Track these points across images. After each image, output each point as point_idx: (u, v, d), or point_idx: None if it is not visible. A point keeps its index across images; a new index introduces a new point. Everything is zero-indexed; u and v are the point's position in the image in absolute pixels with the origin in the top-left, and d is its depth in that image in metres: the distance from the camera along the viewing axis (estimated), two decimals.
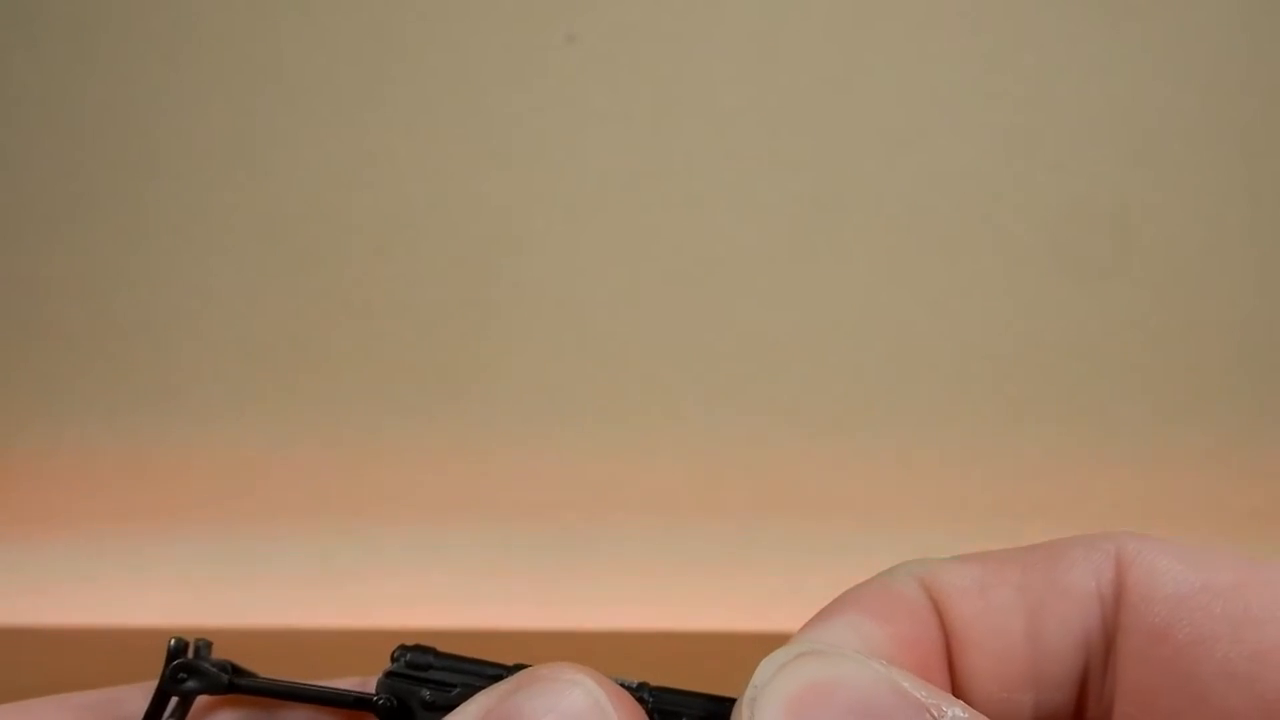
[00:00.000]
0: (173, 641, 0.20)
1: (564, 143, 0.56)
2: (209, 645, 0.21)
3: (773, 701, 0.15)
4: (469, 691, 0.18)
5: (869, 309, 0.57)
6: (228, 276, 0.57)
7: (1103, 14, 0.55)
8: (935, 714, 0.15)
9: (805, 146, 0.56)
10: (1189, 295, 0.57)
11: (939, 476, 0.58)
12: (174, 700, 0.20)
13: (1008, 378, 0.57)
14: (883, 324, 0.57)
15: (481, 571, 0.58)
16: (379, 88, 0.55)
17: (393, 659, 0.20)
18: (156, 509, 0.58)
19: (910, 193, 0.56)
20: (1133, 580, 0.17)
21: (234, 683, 0.20)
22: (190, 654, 0.20)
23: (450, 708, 0.17)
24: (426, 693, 0.19)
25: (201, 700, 0.20)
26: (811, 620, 0.18)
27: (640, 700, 0.18)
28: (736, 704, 0.16)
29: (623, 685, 0.17)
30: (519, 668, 0.18)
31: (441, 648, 0.20)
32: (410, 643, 0.20)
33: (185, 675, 0.20)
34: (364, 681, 0.20)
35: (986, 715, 0.15)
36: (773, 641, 0.17)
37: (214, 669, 0.20)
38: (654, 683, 0.19)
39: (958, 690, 0.18)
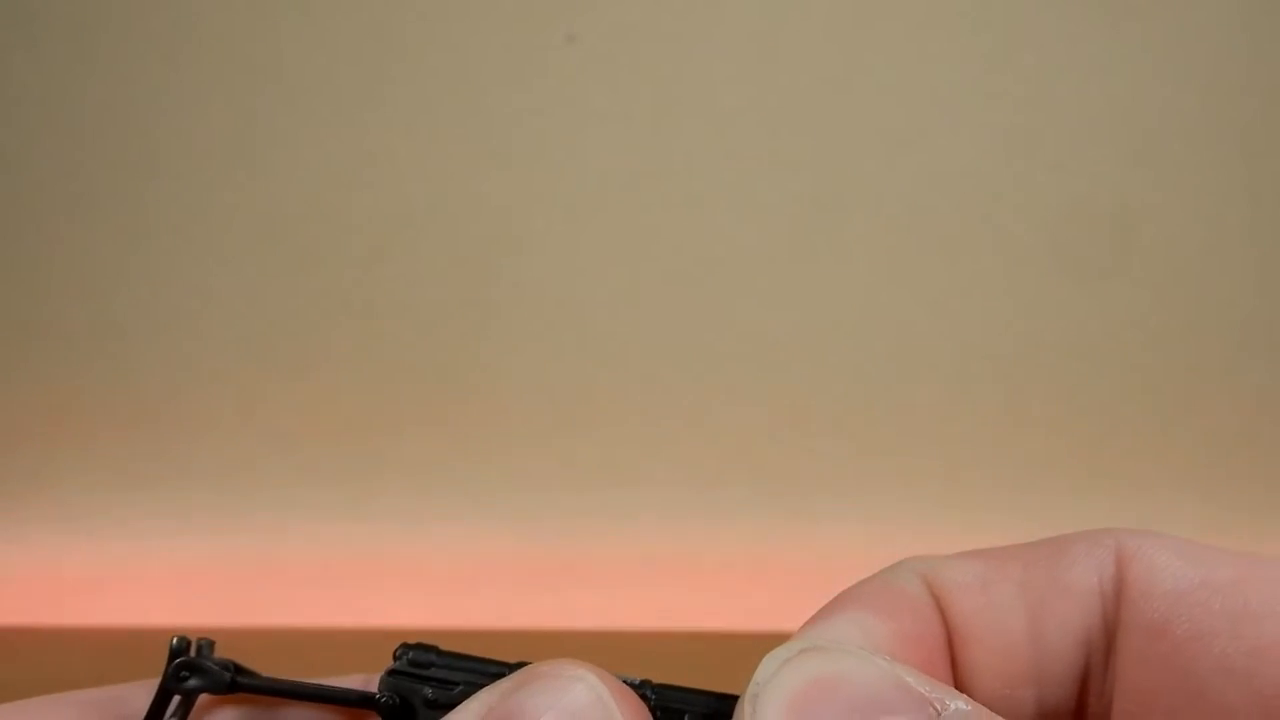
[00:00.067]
0: (175, 640, 0.20)
1: (564, 143, 0.56)
2: (211, 644, 0.21)
3: (775, 697, 0.15)
4: (471, 689, 0.18)
5: (869, 309, 0.57)
6: (228, 276, 0.57)
7: (1103, 14, 0.55)
8: (938, 707, 0.15)
9: (805, 146, 0.56)
10: (1189, 295, 0.57)
11: (939, 476, 0.58)
12: (176, 699, 0.20)
13: (1008, 378, 0.58)
14: (883, 324, 0.57)
15: (482, 571, 0.58)
16: (379, 88, 0.55)
17: (395, 657, 0.20)
18: (157, 509, 0.58)
19: (910, 193, 0.56)
20: (1133, 576, 0.17)
21: (236, 681, 0.20)
22: (193, 653, 0.20)
23: (453, 705, 0.17)
24: (429, 690, 0.19)
25: (204, 699, 0.20)
26: (814, 617, 0.18)
27: (643, 697, 0.18)
28: (739, 700, 0.16)
29: (625, 682, 0.17)
30: (521, 665, 0.18)
31: (443, 646, 0.20)
32: (412, 641, 0.20)
33: (188, 673, 0.20)
34: (366, 680, 0.21)
35: None
36: (774, 641, 0.17)
37: (217, 667, 0.20)
38: (656, 680, 0.19)
39: (960, 687, 0.18)
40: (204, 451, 0.58)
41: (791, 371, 0.57)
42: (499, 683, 0.17)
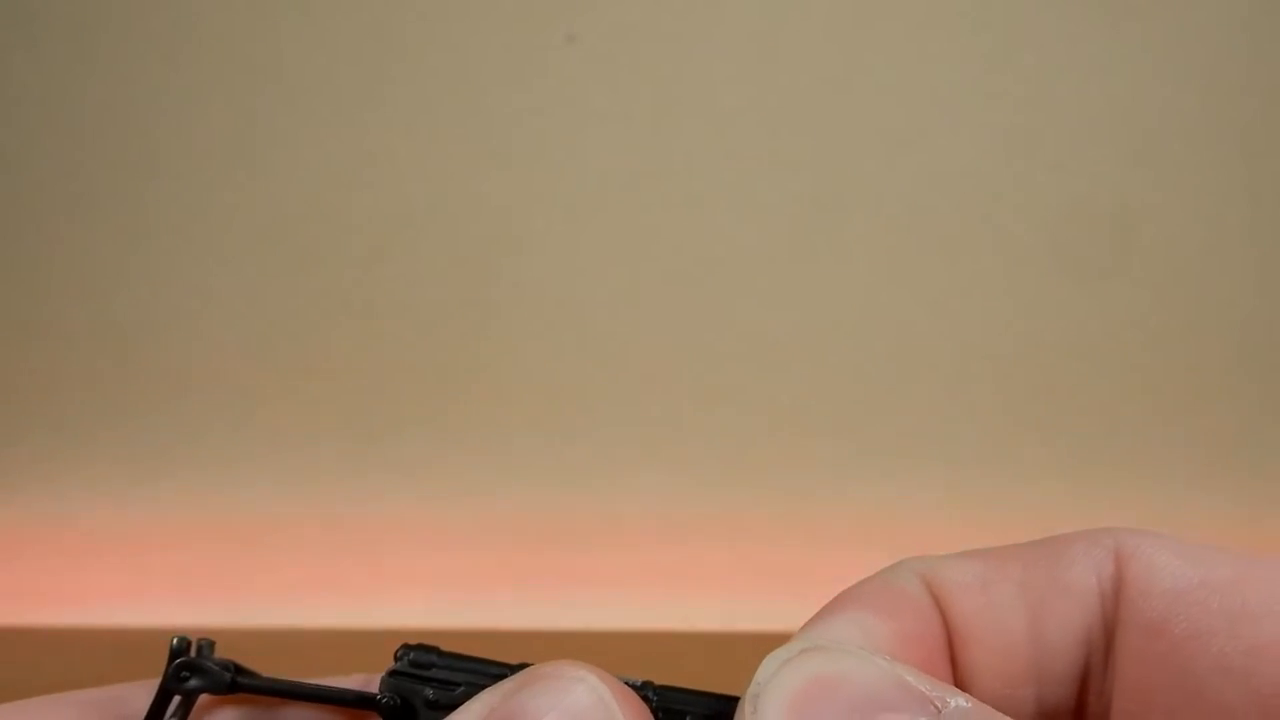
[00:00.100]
0: (175, 640, 0.20)
1: (564, 143, 0.56)
2: (212, 644, 0.21)
3: (775, 697, 0.15)
4: (472, 690, 0.18)
5: (869, 309, 0.57)
6: (228, 276, 0.57)
7: (1103, 14, 0.55)
8: (939, 705, 0.15)
9: (805, 146, 0.56)
10: (1189, 295, 0.57)
11: (939, 476, 0.58)
12: (176, 699, 0.20)
13: (1008, 378, 0.58)
14: (883, 324, 0.57)
15: (482, 572, 0.58)
16: (379, 88, 0.55)
17: (396, 658, 0.20)
18: (157, 509, 0.58)
19: (910, 193, 0.56)
20: (1132, 575, 0.17)
21: (237, 681, 0.20)
22: (193, 653, 0.20)
23: (454, 706, 0.17)
24: (430, 691, 0.19)
25: (204, 699, 0.20)
26: (814, 618, 0.18)
27: (644, 698, 0.18)
28: (739, 701, 0.16)
29: (627, 684, 0.17)
30: (522, 666, 0.18)
31: (444, 647, 0.20)
32: (413, 642, 0.20)
33: (188, 674, 0.20)
34: (367, 680, 0.21)
35: None
36: (775, 641, 0.17)
37: (217, 668, 0.20)
38: (658, 681, 0.19)
39: (960, 686, 0.18)
40: (204, 451, 0.58)
41: (791, 371, 0.57)
42: (501, 684, 0.17)
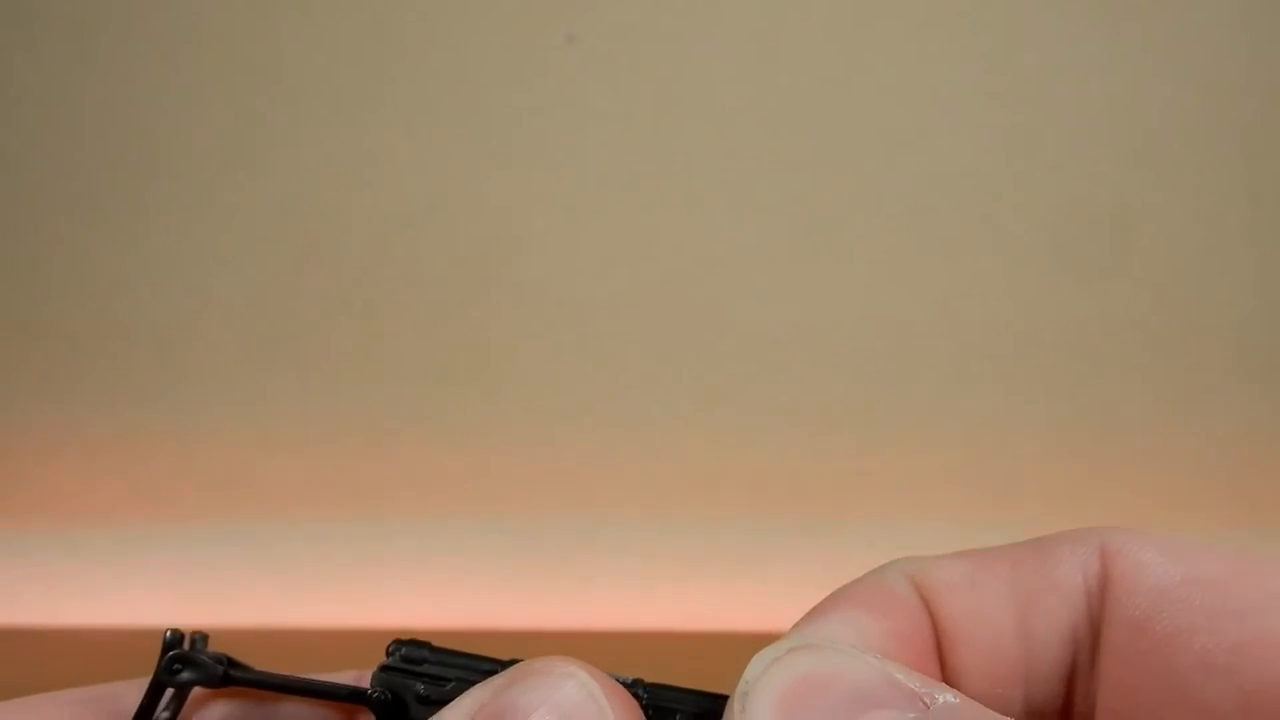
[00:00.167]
0: (168, 633, 0.20)
1: (564, 143, 0.56)
2: (205, 638, 0.21)
3: (764, 695, 0.15)
4: (463, 685, 0.18)
5: (869, 309, 0.57)
6: (228, 276, 0.57)
7: (1103, 14, 0.55)
8: (927, 701, 0.15)
9: (805, 146, 0.56)
10: (1189, 295, 0.57)
11: (939, 476, 0.58)
12: (169, 692, 0.20)
13: (1008, 378, 0.57)
14: (883, 324, 0.57)
15: (481, 571, 0.58)
16: (379, 88, 0.55)
17: (388, 653, 0.20)
18: (157, 509, 0.58)
19: (910, 193, 0.56)
20: (1117, 573, 0.17)
21: (229, 675, 0.20)
22: (186, 646, 0.20)
23: (445, 702, 0.17)
24: (421, 686, 0.19)
25: (197, 692, 0.20)
26: (805, 617, 0.18)
27: (635, 696, 0.18)
28: (729, 699, 0.16)
29: (617, 680, 0.17)
30: (513, 662, 0.18)
31: (437, 644, 0.20)
32: (405, 638, 0.20)
33: (180, 666, 0.20)
34: (359, 676, 0.21)
35: None
36: (767, 640, 0.17)
37: (210, 661, 0.20)
38: (649, 679, 0.19)
39: (949, 685, 0.18)
40: (204, 451, 0.58)
41: (791, 371, 0.57)
42: (491, 679, 0.17)
